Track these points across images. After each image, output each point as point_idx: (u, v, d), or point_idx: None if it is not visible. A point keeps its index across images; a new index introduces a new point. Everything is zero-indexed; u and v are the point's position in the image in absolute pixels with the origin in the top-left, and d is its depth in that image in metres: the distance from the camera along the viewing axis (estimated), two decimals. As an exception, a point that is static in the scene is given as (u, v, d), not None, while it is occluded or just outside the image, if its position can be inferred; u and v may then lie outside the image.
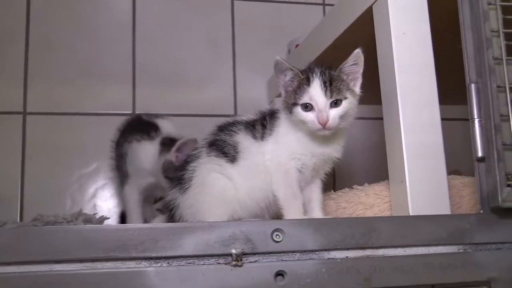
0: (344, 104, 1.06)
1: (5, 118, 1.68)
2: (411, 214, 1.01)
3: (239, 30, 1.90)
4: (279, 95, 1.19)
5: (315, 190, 1.13)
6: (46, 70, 1.74)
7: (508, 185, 0.93)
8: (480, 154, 0.94)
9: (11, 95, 1.70)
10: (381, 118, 1.12)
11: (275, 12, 1.93)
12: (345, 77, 1.08)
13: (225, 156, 1.09)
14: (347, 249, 0.88)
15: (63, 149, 1.72)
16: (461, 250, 0.93)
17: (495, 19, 0.97)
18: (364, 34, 1.16)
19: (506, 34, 0.98)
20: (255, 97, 1.81)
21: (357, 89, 1.09)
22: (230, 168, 1.09)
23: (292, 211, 1.04)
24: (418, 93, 1.07)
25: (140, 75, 1.80)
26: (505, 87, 0.95)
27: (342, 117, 1.05)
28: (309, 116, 1.04)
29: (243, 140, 1.10)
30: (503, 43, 0.96)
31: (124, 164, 1.51)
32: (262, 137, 1.10)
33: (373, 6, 1.14)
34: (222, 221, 0.83)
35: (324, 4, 1.97)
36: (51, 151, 1.71)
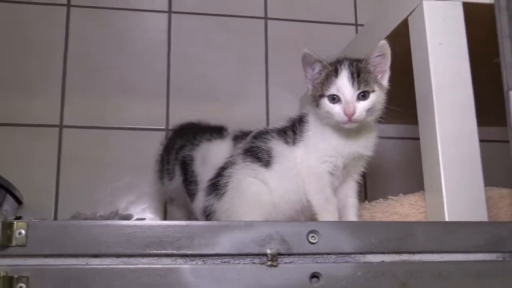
0: (372, 97, 1.05)
1: (43, 131, 1.72)
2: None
3: (272, 48, 1.92)
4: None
5: (350, 195, 1.12)
6: (83, 85, 1.78)
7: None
8: (521, 160, 0.93)
9: (49, 109, 1.74)
10: (417, 138, 1.11)
11: (307, 31, 1.95)
12: (372, 69, 1.07)
13: (260, 161, 1.10)
14: (383, 253, 0.87)
15: (97, 162, 1.74)
16: (499, 258, 0.91)
17: (533, 27, 0.97)
18: (400, 47, 1.16)
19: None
20: (287, 113, 1.80)
21: (385, 82, 1.08)
22: (264, 172, 1.10)
23: (326, 216, 1.04)
24: (455, 102, 1.07)
25: (174, 92, 1.83)
26: (543, 95, 0.94)
27: (369, 110, 1.05)
28: (336, 108, 1.04)
29: (276, 145, 1.11)
30: (541, 50, 0.96)
31: (191, 171, 1.46)
32: (294, 142, 1.11)
33: (409, 18, 1.15)
34: (258, 221, 0.84)
35: (356, 24, 1.98)
36: (85, 163, 1.73)
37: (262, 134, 1.15)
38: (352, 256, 0.87)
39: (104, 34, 1.83)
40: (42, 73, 1.76)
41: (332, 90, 1.05)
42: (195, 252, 0.83)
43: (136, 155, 1.75)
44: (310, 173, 1.08)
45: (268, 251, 0.84)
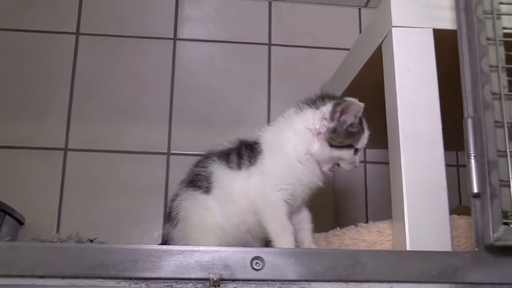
0: None
1: (48, 153, 1.78)
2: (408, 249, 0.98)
3: (275, 73, 1.94)
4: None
5: (305, 219, 1.15)
6: (88, 109, 1.83)
7: (505, 223, 0.89)
8: (475, 190, 0.91)
9: (55, 133, 1.80)
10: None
11: (308, 56, 1.96)
12: None
13: (200, 189, 1.14)
14: (329, 281, 0.87)
15: (99, 184, 1.79)
16: (456, 290, 0.89)
17: (494, 55, 0.96)
18: (378, 73, 1.17)
19: (507, 70, 0.96)
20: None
21: None
22: (206, 198, 1.13)
23: (283, 245, 1.04)
24: (422, 129, 1.06)
25: (176, 116, 1.86)
26: (503, 123, 0.93)
27: None
28: (355, 158, 1.14)
29: (217, 169, 1.14)
30: (501, 78, 0.94)
31: None
32: (239, 167, 1.13)
33: (382, 44, 1.15)
34: (201, 246, 0.84)
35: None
36: (88, 185, 1.78)
37: (202, 160, 1.18)
38: (298, 283, 0.86)
39: (110, 61, 1.89)
40: (49, 98, 1.82)
41: (359, 145, 1.14)
42: (138, 276, 0.84)
43: (137, 178, 1.79)
44: (265, 202, 1.08)
45: (211, 276, 0.85)
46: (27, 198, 1.72)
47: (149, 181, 1.80)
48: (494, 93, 0.94)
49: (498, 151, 0.92)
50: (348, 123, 1.11)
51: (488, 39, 0.96)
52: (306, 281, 0.86)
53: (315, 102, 1.15)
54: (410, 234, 1.00)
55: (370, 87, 1.21)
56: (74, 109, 1.83)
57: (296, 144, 1.11)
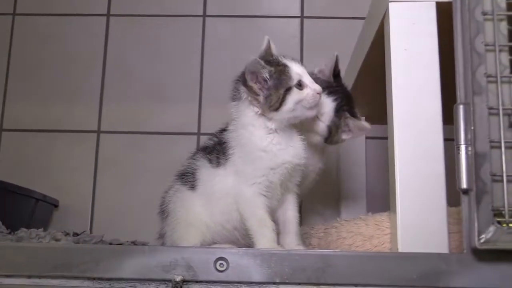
0: None
1: (81, 136, 1.81)
2: (400, 249, 0.91)
3: (307, 47, 1.86)
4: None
5: (290, 208, 1.09)
6: (120, 91, 1.85)
7: (498, 222, 0.80)
8: (464, 185, 0.82)
9: (87, 116, 1.83)
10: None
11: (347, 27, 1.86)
12: None
13: (187, 184, 1.12)
14: (298, 284, 0.82)
15: (132, 166, 1.81)
16: (433, 295, 0.81)
17: (491, 32, 0.85)
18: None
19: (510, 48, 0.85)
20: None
21: None
22: (191, 195, 1.10)
23: (262, 241, 1.00)
24: (419, 115, 0.96)
25: (206, 96, 1.84)
26: (498, 109, 0.82)
27: None
28: (304, 91, 1.05)
29: (201, 166, 1.12)
30: (501, 58, 0.84)
31: None
32: (218, 164, 1.09)
33: (384, 21, 1.06)
34: (164, 246, 0.82)
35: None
36: (121, 167, 1.80)
37: (192, 155, 1.16)
38: (264, 285, 0.82)
39: (140, 41, 1.88)
40: (81, 81, 1.85)
41: (296, 78, 1.05)
42: (101, 276, 0.83)
43: (169, 159, 1.77)
44: (241, 198, 1.05)
45: (173, 278, 0.82)
46: (62, 181, 1.78)
47: (180, 162, 1.78)
48: (489, 76, 0.83)
49: (491, 141, 0.81)
50: (266, 77, 1.04)
51: (484, 13, 0.85)
52: (274, 283, 0.82)
53: (235, 94, 1.10)
54: (402, 229, 0.92)
55: (380, 65, 1.11)
56: (106, 91, 1.85)
57: (252, 135, 1.06)
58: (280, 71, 1.05)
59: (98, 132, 1.83)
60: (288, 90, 1.04)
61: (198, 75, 1.86)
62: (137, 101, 1.85)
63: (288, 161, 1.06)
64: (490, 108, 0.82)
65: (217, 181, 1.08)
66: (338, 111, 1.22)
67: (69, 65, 1.86)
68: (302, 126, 1.13)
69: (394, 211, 0.94)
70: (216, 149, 1.11)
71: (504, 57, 0.85)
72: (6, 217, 1.30)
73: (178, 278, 0.82)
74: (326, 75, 1.28)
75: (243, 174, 1.05)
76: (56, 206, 1.71)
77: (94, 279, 0.83)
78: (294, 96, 1.04)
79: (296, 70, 1.06)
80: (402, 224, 0.92)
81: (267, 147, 1.04)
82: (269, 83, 1.04)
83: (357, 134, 1.27)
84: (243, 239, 1.06)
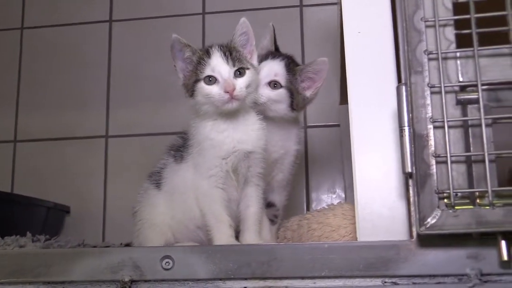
0: (248, 73, 1.03)
1: (90, 142, 1.85)
2: (359, 239, 0.88)
3: (308, 37, 1.84)
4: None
5: (251, 203, 1.05)
6: (126, 95, 1.88)
7: (447, 206, 0.76)
8: (409, 169, 0.78)
9: (95, 121, 1.87)
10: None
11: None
12: (241, 49, 1.06)
13: (154, 183, 1.12)
14: (245, 279, 0.81)
15: (142, 168, 1.81)
16: (386, 284, 0.78)
17: (430, 7, 0.81)
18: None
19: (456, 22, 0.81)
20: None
21: (255, 62, 1.08)
22: (156, 194, 1.10)
23: (218, 237, 0.99)
24: (373, 99, 0.92)
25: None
26: (440, 87, 0.78)
27: (248, 87, 1.02)
28: (214, 88, 1.01)
29: (167, 165, 1.11)
30: (438, 33, 0.79)
31: None
32: (181, 159, 1.08)
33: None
34: (112, 248, 0.82)
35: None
36: (131, 170, 1.82)
37: (164, 154, 1.15)
38: (211, 282, 0.82)
39: (142, 44, 1.90)
40: (87, 88, 1.89)
41: (207, 71, 1.02)
42: (53, 279, 0.85)
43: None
44: (199, 192, 1.04)
45: (122, 278, 0.83)
46: (73, 187, 1.82)
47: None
48: (430, 53, 0.79)
49: (435, 121, 0.78)
50: (187, 58, 1.06)
51: (424, -14, 0.81)
52: (220, 279, 0.81)
53: None
54: (361, 217, 0.88)
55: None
56: (112, 96, 1.88)
57: (199, 124, 1.06)
58: (199, 57, 1.04)
59: (106, 137, 1.86)
60: (196, 82, 1.03)
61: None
62: (143, 104, 1.87)
63: (238, 149, 1.02)
64: (432, 87, 0.78)
65: (178, 176, 1.07)
66: (289, 67, 1.19)
67: (76, 74, 1.91)
68: (261, 105, 1.12)
69: (355, 200, 0.91)
70: (182, 146, 1.11)
71: (449, 32, 0.81)
72: (19, 227, 1.33)
73: (127, 278, 0.82)
74: (267, 47, 1.26)
75: (199, 166, 1.04)
76: (68, 212, 1.76)
77: (48, 283, 0.85)
78: (201, 90, 1.02)
79: (214, 62, 1.02)
80: (361, 212, 0.89)
81: (210, 135, 1.02)
82: (188, 67, 1.05)
83: (318, 79, 1.20)
84: (207, 239, 1.05)
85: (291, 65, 1.20)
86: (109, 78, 1.89)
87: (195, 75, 1.03)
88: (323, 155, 1.71)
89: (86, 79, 1.90)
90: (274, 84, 1.16)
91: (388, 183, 0.88)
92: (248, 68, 1.03)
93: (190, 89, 1.04)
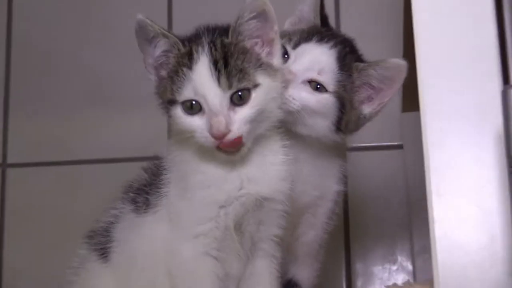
0: (256, 96, 0.69)
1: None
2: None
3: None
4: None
5: (260, 284, 0.75)
6: (35, 99, 1.42)
7: None
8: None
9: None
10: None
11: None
12: (250, 44, 0.72)
13: (96, 251, 0.78)
14: None
15: (59, 219, 1.37)
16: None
17: None
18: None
19: None
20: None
21: (277, 59, 0.73)
22: (101, 270, 0.77)
23: None
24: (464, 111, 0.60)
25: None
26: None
27: (253, 121, 0.69)
28: (196, 121, 0.69)
29: (121, 217, 0.78)
30: None
31: None
32: (146, 208, 0.75)
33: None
34: None
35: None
36: (37, 216, 1.36)
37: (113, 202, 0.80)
38: None
39: (61, 22, 1.45)
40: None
41: (186, 92, 0.69)
42: None
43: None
44: (175, 266, 0.72)
45: None
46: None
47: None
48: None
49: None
50: (159, 52, 0.73)
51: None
52: None
53: None
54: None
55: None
56: (13, 102, 1.42)
57: (179, 151, 0.75)
58: (177, 59, 0.71)
59: (3, 166, 1.38)
60: (171, 103, 0.71)
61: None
62: (62, 113, 1.39)
63: (246, 193, 0.71)
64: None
65: (141, 237, 0.75)
66: (343, 60, 0.83)
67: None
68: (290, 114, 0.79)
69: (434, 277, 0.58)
70: (148, 186, 0.78)
71: None
72: None
73: None
74: (307, 18, 0.90)
75: (179, 219, 0.73)
76: None
77: None
78: (178, 119, 0.70)
79: (198, 78, 0.68)
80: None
81: (202, 166, 0.72)
82: (163, 68, 0.73)
83: (386, 90, 0.83)
84: None
85: (348, 58, 0.83)
86: (9, 70, 1.42)
87: (170, 91, 0.71)
88: (374, 198, 1.23)
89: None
90: (316, 86, 0.80)
91: (491, 250, 0.57)
92: (256, 85, 0.70)
93: (165, 108, 0.73)
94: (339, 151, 0.89)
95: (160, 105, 0.74)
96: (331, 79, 0.81)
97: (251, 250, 0.75)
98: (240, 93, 0.68)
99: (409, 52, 0.73)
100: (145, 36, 0.72)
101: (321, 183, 0.86)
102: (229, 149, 0.68)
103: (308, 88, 0.80)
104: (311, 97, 0.80)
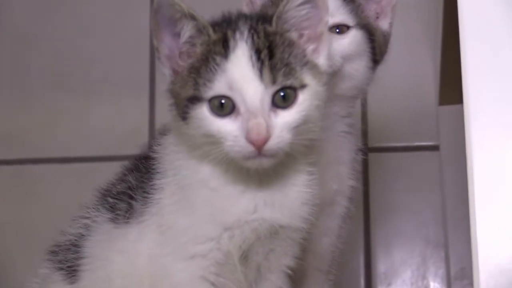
0: (304, 99, 0.61)
1: None
2: None
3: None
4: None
5: None
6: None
7: None
8: None
9: None
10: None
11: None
12: (295, 36, 0.63)
13: (61, 271, 0.70)
14: None
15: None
16: None
17: None
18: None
19: None
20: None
21: (323, 59, 0.65)
22: None
23: None
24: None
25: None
26: None
27: (298, 126, 0.61)
28: (228, 125, 0.60)
29: (94, 229, 0.70)
30: None
31: None
32: (129, 216, 0.68)
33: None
34: None
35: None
36: None
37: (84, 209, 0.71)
38: None
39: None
40: None
41: (218, 86, 0.60)
42: None
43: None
44: (164, 286, 0.65)
45: None
46: None
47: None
48: None
49: None
50: (185, 39, 0.63)
51: None
52: None
53: None
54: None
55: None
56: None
57: (183, 159, 0.66)
58: (207, 46, 0.62)
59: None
60: (193, 100, 0.62)
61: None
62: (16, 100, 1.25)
63: (260, 218, 0.64)
64: None
65: (120, 251, 0.67)
66: None
67: None
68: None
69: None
70: (132, 189, 0.70)
71: None
72: None
73: None
74: None
75: (174, 233, 0.66)
76: None
77: None
78: (202, 121, 0.61)
79: (234, 69, 0.60)
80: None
81: (212, 182, 0.64)
82: (184, 58, 0.64)
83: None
84: None
85: None
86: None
87: (193, 86, 0.62)
88: (402, 208, 1.11)
89: None
90: (336, 30, 0.81)
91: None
92: (304, 86, 0.61)
93: (181, 108, 0.63)
94: (350, 121, 0.87)
95: (173, 105, 0.65)
96: (344, 15, 0.82)
97: (256, 280, 0.68)
98: (283, 93, 0.60)
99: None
100: (167, 18, 0.63)
101: (338, 175, 0.84)
102: (261, 161, 0.59)
103: (331, 37, 0.77)
104: (341, 41, 0.81)
